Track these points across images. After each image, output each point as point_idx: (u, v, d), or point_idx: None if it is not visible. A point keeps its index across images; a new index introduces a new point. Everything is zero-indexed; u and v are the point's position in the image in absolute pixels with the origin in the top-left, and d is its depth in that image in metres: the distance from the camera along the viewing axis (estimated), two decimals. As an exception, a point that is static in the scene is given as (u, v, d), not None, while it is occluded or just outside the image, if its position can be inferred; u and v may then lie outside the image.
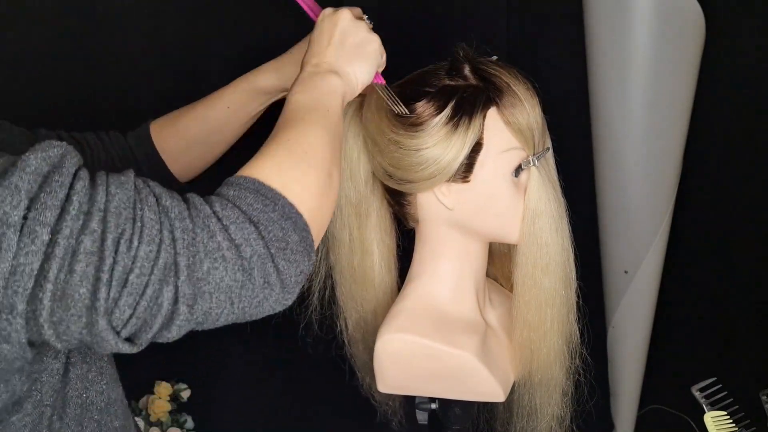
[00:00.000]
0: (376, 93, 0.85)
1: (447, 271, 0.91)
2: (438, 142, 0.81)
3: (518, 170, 0.83)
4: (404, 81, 0.87)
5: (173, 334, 0.57)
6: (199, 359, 1.42)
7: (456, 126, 0.80)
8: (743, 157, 1.39)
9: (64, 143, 0.56)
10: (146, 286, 0.54)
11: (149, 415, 1.37)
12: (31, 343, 0.54)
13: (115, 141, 0.94)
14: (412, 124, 0.82)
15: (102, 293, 0.52)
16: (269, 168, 0.64)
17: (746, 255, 1.46)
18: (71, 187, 0.54)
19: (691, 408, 1.23)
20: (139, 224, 0.55)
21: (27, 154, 0.53)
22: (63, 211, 0.52)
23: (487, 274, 0.97)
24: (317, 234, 0.65)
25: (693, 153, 1.30)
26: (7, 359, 0.54)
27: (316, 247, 0.65)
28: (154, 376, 1.38)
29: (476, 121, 0.81)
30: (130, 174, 0.59)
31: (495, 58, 0.87)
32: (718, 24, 1.18)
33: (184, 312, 0.56)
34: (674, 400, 1.54)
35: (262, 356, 1.39)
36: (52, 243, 0.51)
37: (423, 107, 0.82)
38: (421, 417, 1.04)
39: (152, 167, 0.94)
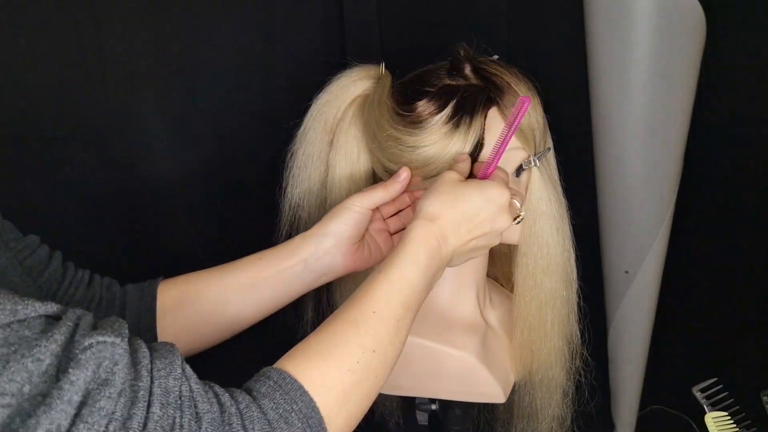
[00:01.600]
0: (378, 90, 0.85)
1: (447, 271, 0.90)
2: (437, 140, 0.80)
3: (519, 170, 0.83)
4: (405, 80, 0.87)
5: None
6: (198, 361, 1.41)
7: (457, 125, 0.80)
8: (744, 157, 1.39)
9: (123, 345, 0.52)
10: None
11: (149, 415, 1.36)
12: None
13: (110, 285, 0.85)
14: (412, 122, 0.81)
15: None
16: (316, 362, 0.60)
17: (747, 255, 1.46)
18: (113, 410, 0.49)
19: (692, 408, 1.23)
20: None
21: (77, 363, 0.48)
22: (105, 407, 0.48)
23: (488, 275, 0.97)
24: None
25: (694, 153, 1.30)
26: None
27: None
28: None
29: (477, 121, 0.80)
30: (177, 372, 0.55)
31: (496, 57, 0.86)
32: (719, 24, 1.18)
33: None
34: (675, 401, 1.54)
35: (261, 358, 1.38)
36: None
37: (423, 106, 0.81)
38: (422, 418, 1.03)
39: (142, 328, 0.83)
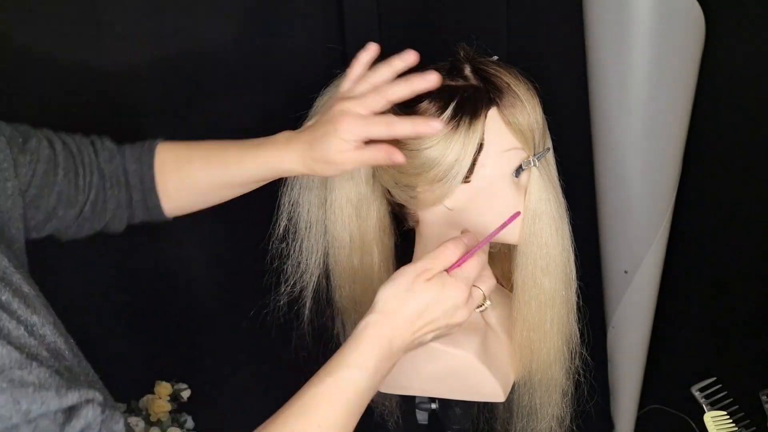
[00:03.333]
0: None
1: (447, 271, 0.90)
2: (438, 142, 0.80)
3: (519, 170, 0.83)
4: (405, 81, 0.87)
5: None
6: (199, 359, 1.42)
7: (457, 126, 0.80)
8: (743, 156, 1.39)
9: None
10: None
11: (149, 415, 1.37)
12: None
13: (108, 153, 0.86)
14: (412, 123, 0.81)
15: None
16: None
17: (747, 255, 1.46)
18: None
19: (691, 408, 1.24)
20: None
21: None
22: None
23: (488, 274, 0.97)
24: None
25: (693, 153, 1.30)
26: None
27: None
28: (154, 376, 1.38)
29: (477, 122, 0.80)
30: None
31: (496, 58, 0.87)
32: (718, 24, 1.18)
33: None
34: (674, 400, 1.54)
35: (261, 356, 1.39)
36: None
37: (424, 108, 0.81)
38: (421, 417, 1.04)
39: (144, 195, 0.87)
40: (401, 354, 0.71)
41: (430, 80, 0.75)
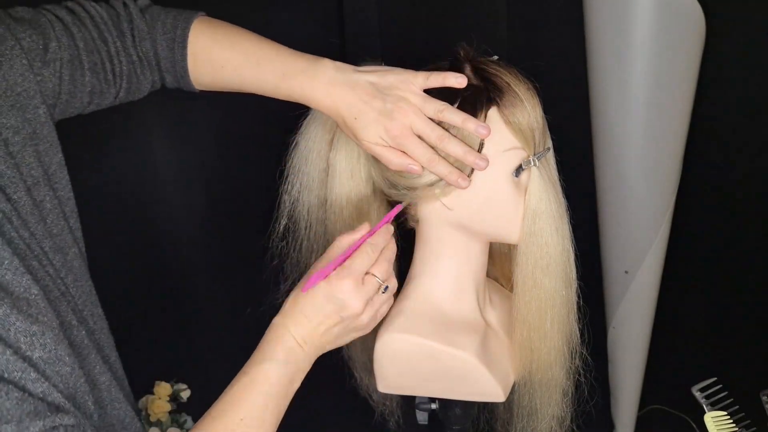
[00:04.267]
0: None
1: (447, 271, 0.90)
2: (438, 142, 0.80)
3: (519, 170, 0.83)
4: (405, 81, 0.87)
5: None
6: (198, 360, 1.42)
7: (457, 126, 0.80)
8: (744, 156, 1.39)
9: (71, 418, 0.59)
10: None
11: (149, 415, 1.37)
12: None
13: (138, 35, 0.83)
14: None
15: None
16: None
17: (747, 255, 1.46)
18: None
19: (691, 408, 1.23)
20: None
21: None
22: None
23: (488, 274, 0.97)
24: None
25: (693, 153, 1.30)
26: None
27: None
28: (154, 377, 1.38)
29: (477, 122, 0.80)
30: None
31: (496, 58, 0.86)
32: (719, 24, 1.18)
33: None
34: (674, 401, 1.55)
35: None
36: None
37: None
38: (421, 417, 1.03)
39: (177, 79, 0.87)
40: (316, 349, 0.77)
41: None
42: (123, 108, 1.19)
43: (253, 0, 1.21)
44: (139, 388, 1.38)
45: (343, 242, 0.78)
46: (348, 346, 1.03)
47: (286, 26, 1.22)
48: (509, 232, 0.86)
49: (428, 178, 0.82)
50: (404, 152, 0.79)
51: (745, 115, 1.35)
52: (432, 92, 0.82)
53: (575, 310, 0.90)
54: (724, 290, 1.50)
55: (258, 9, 1.21)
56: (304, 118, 0.88)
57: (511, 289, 0.92)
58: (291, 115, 0.87)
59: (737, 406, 1.15)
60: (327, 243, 0.94)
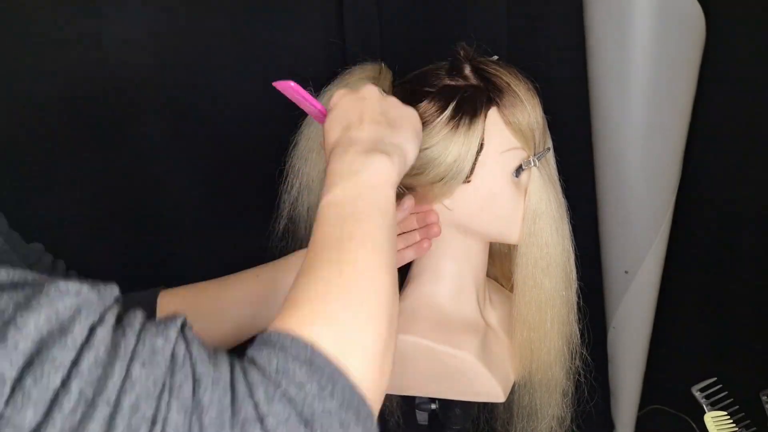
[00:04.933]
0: None
1: (447, 271, 0.90)
2: (438, 142, 0.80)
3: (519, 170, 0.83)
4: (405, 80, 0.87)
5: None
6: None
7: (456, 126, 0.80)
8: (744, 156, 1.39)
9: (85, 288, 0.44)
10: None
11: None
12: None
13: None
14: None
15: None
16: (322, 323, 0.50)
17: (747, 255, 1.46)
18: (75, 363, 0.41)
19: (691, 408, 1.23)
20: (159, 429, 0.41)
21: (27, 312, 0.41)
22: (54, 402, 0.39)
23: (488, 275, 0.97)
24: (377, 411, 0.51)
25: (693, 153, 1.30)
26: None
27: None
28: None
29: (477, 122, 0.80)
30: (172, 335, 0.45)
31: (496, 58, 0.86)
32: (719, 24, 1.18)
33: None
34: (675, 401, 1.54)
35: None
36: None
37: (424, 108, 0.81)
38: (421, 417, 1.03)
39: None
40: (369, 148, 0.66)
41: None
42: (122, 108, 1.19)
43: (252, 1, 1.21)
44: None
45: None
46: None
47: (286, 26, 1.22)
48: (509, 232, 0.86)
49: (428, 176, 0.82)
50: None
51: (746, 114, 1.35)
52: (432, 92, 0.82)
53: (575, 310, 0.90)
54: (724, 290, 1.50)
55: (258, 9, 1.21)
56: (304, 118, 0.88)
57: (511, 289, 0.92)
58: (291, 115, 0.87)
59: (737, 406, 1.15)
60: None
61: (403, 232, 0.89)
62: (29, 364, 0.39)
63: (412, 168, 0.82)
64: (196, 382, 0.44)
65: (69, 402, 0.39)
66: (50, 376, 0.39)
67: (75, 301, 0.43)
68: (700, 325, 1.55)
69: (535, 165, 0.83)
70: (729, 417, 1.09)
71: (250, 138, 1.24)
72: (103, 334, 0.43)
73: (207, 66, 1.22)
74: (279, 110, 0.90)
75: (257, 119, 1.21)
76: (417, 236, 0.88)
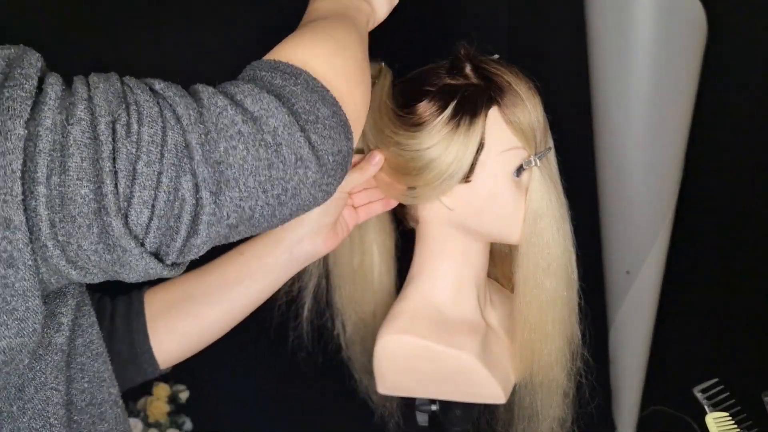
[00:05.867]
0: (377, 91, 0.85)
1: (447, 271, 0.90)
2: (439, 142, 0.80)
3: (519, 170, 0.83)
4: (405, 79, 0.87)
5: (202, 237, 0.47)
6: (197, 360, 1.41)
7: (457, 125, 0.80)
8: (745, 156, 1.38)
9: (21, 45, 0.48)
10: (160, 173, 0.45)
11: (147, 416, 1.36)
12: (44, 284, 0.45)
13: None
14: (413, 124, 0.81)
15: (108, 187, 0.43)
16: (289, 47, 0.57)
17: (748, 256, 1.46)
18: (42, 80, 0.45)
19: (693, 409, 1.23)
20: (134, 108, 0.46)
21: None
22: (38, 103, 0.44)
23: (488, 275, 0.97)
24: (353, 123, 0.56)
25: (695, 152, 1.30)
26: (16, 290, 0.43)
27: (354, 134, 0.56)
28: (153, 378, 1.38)
29: (478, 121, 0.80)
30: (113, 74, 0.50)
31: (496, 56, 0.86)
32: (720, 23, 1.18)
33: (209, 202, 0.46)
34: (676, 402, 1.54)
35: (260, 358, 1.38)
36: (32, 138, 0.43)
37: (424, 107, 0.81)
38: (422, 419, 1.03)
39: (135, 347, 0.80)
40: None
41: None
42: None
43: (252, 0, 1.20)
44: (138, 389, 1.37)
45: None
46: (348, 346, 1.02)
47: (286, 26, 1.22)
48: (510, 232, 0.85)
49: (428, 176, 0.82)
50: None
51: (747, 114, 1.35)
52: (432, 92, 0.81)
53: (576, 310, 0.90)
54: (726, 291, 1.50)
55: (257, 9, 1.20)
56: None
57: (512, 290, 0.92)
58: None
59: (739, 407, 1.15)
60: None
61: (369, 188, 0.90)
62: (3, 80, 0.44)
63: (413, 168, 0.81)
64: (149, 84, 0.49)
65: (50, 99, 0.44)
66: (24, 82, 0.44)
67: (20, 48, 0.47)
68: (702, 326, 1.55)
69: (536, 164, 0.83)
70: (731, 418, 1.08)
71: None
72: (53, 74, 0.47)
73: (206, 68, 1.22)
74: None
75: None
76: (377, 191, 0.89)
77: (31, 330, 0.45)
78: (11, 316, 0.44)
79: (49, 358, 0.51)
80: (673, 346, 1.54)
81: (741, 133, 1.37)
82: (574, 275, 0.88)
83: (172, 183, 0.45)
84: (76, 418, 0.57)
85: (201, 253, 0.49)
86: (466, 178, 0.82)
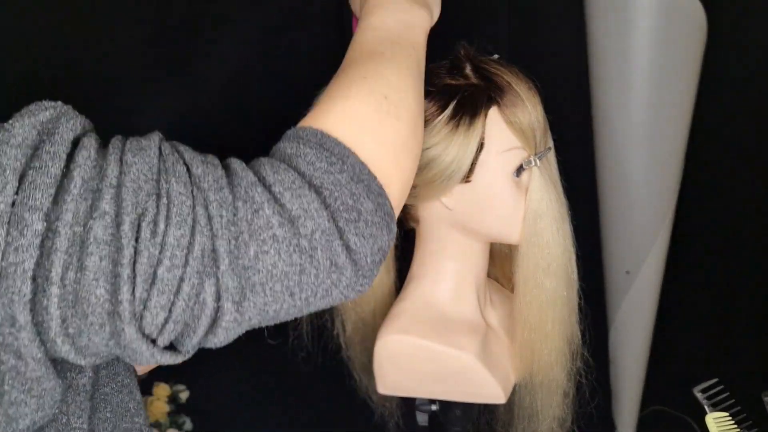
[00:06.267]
0: None
1: (447, 271, 0.90)
2: (439, 141, 0.80)
3: (519, 170, 0.83)
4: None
5: (220, 339, 0.46)
6: (197, 361, 1.41)
7: (457, 125, 0.80)
8: (745, 156, 1.38)
9: (60, 103, 0.45)
10: (181, 281, 0.43)
11: (147, 416, 1.36)
12: (54, 360, 0.44)
13: None
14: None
15: (124, 294, 0.41)
16: (337, 115, 0.52)
17: (748, 255, 1.46)
18: (71, 159, 0.43)
19: (693, 409, 1.23)
20: (165, 201, 0.43)
21: (11, 120, 0.42)
22: (60, 190, 0.41)
23: (488, 275, 0.97)
24: (397, 203, 0.53)
25: (695, 153, 1.30)
26: (27, 377, 0.42)
27: (396, 218, 0.53)
28: (153, 378, 1.38)
29: (478, 121, 0.80)
30: (155, 137, 0.48)
31: (496, 57, 0.86)
32: (720, 23, 1.18)
33: (230, 311, 0.44)
34: (676, 401, 1.54)
35: (259, 358, 1.38)
36: (49, 233, 0.40)
37: (425, 107, 0.81)
38: (422, 419, 1.03)
39: None
40: None
41: None
42: (123, 107, 1.19)
43: (252, 2, 1.20)
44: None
45: None
46: (348, 346, 1.02)
47: (286, 25, 1.22)
48: (510, 232, 0.85)
49: (428, 176, 0.82)
50: None
51: (748, 113, 1.35)
52: (432, 91, 0.81)
53: (576, 310, 0.90)
54: (725, 290, 1.50)
55: (257, 8, 1.20)
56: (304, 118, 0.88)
57: (512, 290, 0.92)
58: (291, 115, 0.87)
59: (739, 407, 1.15)
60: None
61: None
62: (31, 158, 0.41)
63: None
64: (188, 164, 0.46)
65: (74, 187, 0.41)
66: (50, 164, 0.42)
67: (56, 109, 0.45)
68: (702, 326, 1.55)
69: (535, 164, 0.83)
70: (731, 418, 1.08)
71: (250, 138, 1.24)
72: (90, 139, 0.45)
73: (207, 68, 1.22)
74: (279, 110, 0.89)
75: (258, 119, 1.21)
76: None
77: (51, 403, 0.44)
78: (29, 394, 0.42)
79: (71, 399, 0.50)
80: (673, 346, 1.54)
81: (741, 133, 1.37)
82: (574, 275, 0.88)
83: (194, 290, 0.43)
84: None
85: (220, 346, 0.48)
86: (466, 178, 0.82)
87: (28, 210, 0.40)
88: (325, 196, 0.47)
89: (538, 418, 0.95)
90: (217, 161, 0.48)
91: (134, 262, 0.42)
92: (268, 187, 0.46)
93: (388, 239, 0.51)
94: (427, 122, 0.80)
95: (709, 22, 1.16)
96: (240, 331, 0.47)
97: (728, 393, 1.17)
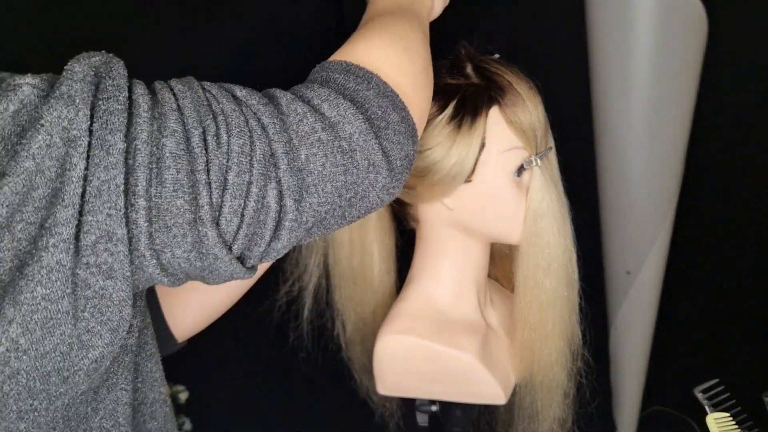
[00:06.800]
0: None
1: (448, 271, 0.90)
2: (441, 142, 0.80)
3: (520, 170, 0.83)
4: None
5: (283, 242, 0.50)
6: (196, 361, 1.41)
7: (458, 126, 0.79)
8: (746, 156, 1.38)
9: (103, 51, 0.49)
10: (249, 183, 0.47)
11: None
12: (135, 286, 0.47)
13: None
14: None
15: (203, 199, 0.45)
16: (359, 50, 0.58)
17: (749, 256, 1.45)
18: (131, 90, 0.47)
19: (693, 409, 1.23)
20: (221, 117, 0.48)
21: (67, 66, 0.46)
22: (131, 114, 0.45)
23: (489, 275, 0.96)
24: (419, 125, 0.59)
25: (696, 153, 1.30)
26: (112, 301, 0.44)
27: (419, 134, 0.59)
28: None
29: (478, 121, 0.80)
30: (191, 78, 0.52)
31: (497, 56, 0.86)
32: (721, 22, 1.18)
33: (292, 209, 0.49)
34: (677, 402, 1.54)
35: (259, 358, 1.38)
36: (130, 151, 0.44)
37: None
38: (422, 419, 1.03)
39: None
40: None
41: None
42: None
43: (252, 2, 1.20)
44: (138, 389, 1.37)
45: None
46: (348, 346, 1.02)
47: (286, 25, 1.22)
48: (510, 232, 0.85)
49: (431, 177, 0.82)
50: None
51: (748, 114, 1.34)
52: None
53: (577, 310, 0.90)
54: (726, 291, 1.49)
55: (257, 10, 1.20)
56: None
57: (512, 290, 0.92)
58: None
59: (740, 408, 1.15)
60: (327, 243, 0.94)
61: None
62: (96, 92, 0.45)
63: (415, 168, 0.81)
64: (229, 90, 0.51)
65: (143, 111, 0.45)
66: (117, 94, 0.45)
67: (104, 56, 0.49)
68: (703, 326, 1.55)
69: (536, 164, 0.83)
70: (731, 418, 1.08)
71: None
72: (135, 80, 0.49)
73: (206, 69, 1.22)
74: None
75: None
76: None
77: (120, 337, 0.46)
78: (105, 326, 0.45)
79: (121, 360, 0.52)
80: (673, 347, 1.54)
81: (741, 133, 1.37)
82: (575, 275, 0.88)
83: (261, 192, 0.47)
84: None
85: (279, 257, 0.51)
86: (467, 178, 0.82)
87: (110, 132, 0.43)
88: (358, 105, 0.53)
89: (538, 419, 0.94)
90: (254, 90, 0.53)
91: (207, 170, 0.46)
92: (306, 101, 0.52)
93: (413, 149, 0.57)
94: (428, 122, 0.80)
95: (709, 22, 1.15)
96: (299, 235, 0.50)
97: (729, 393, 1.16)
